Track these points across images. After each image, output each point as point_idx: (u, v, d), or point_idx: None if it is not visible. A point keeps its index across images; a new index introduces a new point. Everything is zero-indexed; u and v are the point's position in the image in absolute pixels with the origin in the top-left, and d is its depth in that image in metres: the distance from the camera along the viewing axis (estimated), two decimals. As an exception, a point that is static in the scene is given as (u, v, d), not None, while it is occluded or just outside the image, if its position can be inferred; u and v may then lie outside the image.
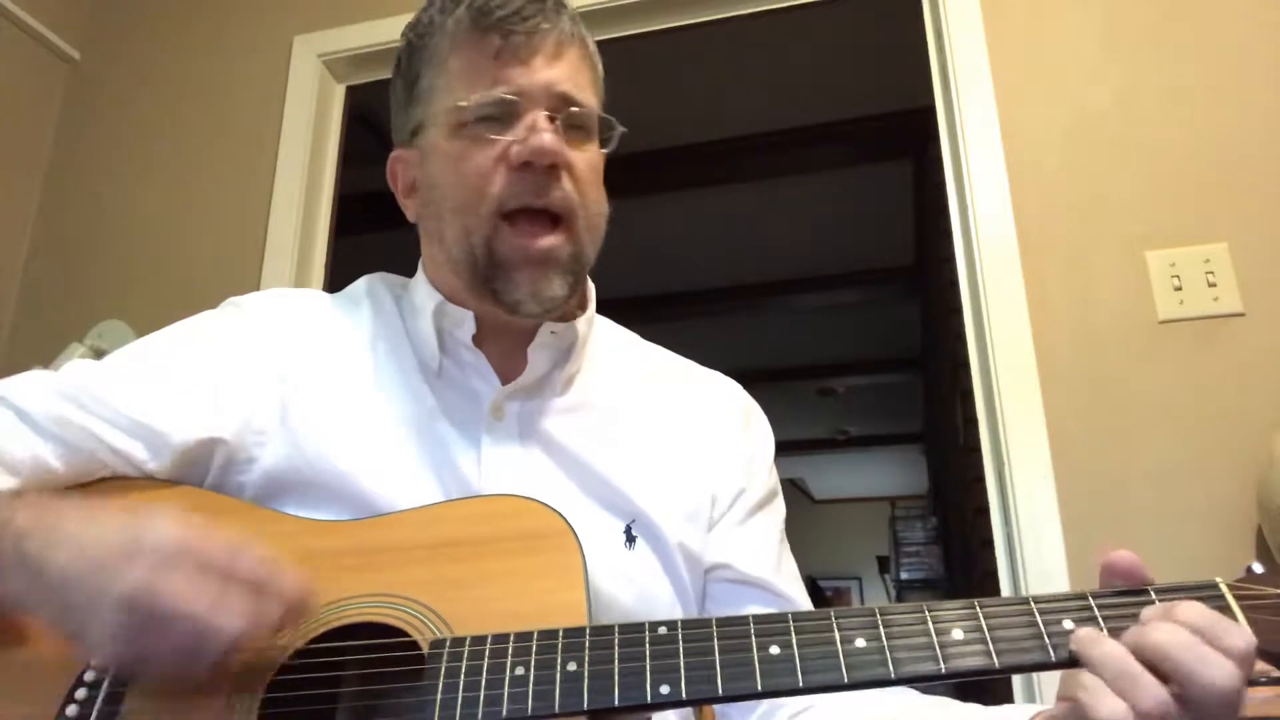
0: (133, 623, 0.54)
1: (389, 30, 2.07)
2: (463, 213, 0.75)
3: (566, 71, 0.76)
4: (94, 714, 0.59)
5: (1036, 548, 1.41)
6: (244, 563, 0.57)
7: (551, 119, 0.74)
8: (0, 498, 0.62)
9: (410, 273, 0.90)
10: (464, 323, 0.79)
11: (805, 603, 0.83)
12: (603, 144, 0.79)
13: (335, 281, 2.02)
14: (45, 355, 1.88)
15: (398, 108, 0.83)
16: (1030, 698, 1.39)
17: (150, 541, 0.56)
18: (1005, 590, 1.46)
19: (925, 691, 0.72)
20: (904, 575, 4.87)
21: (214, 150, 2.13)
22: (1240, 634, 0.50)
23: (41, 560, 0.57)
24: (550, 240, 0.74)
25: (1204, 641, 0.50)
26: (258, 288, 1.93)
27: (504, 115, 0.74)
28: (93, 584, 0.55)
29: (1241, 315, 1.44)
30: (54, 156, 2.23)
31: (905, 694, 0.72)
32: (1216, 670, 0.49)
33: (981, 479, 1.55)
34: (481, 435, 0.77)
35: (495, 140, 0.73)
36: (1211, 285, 1.47)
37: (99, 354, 1.88)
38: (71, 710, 0.59)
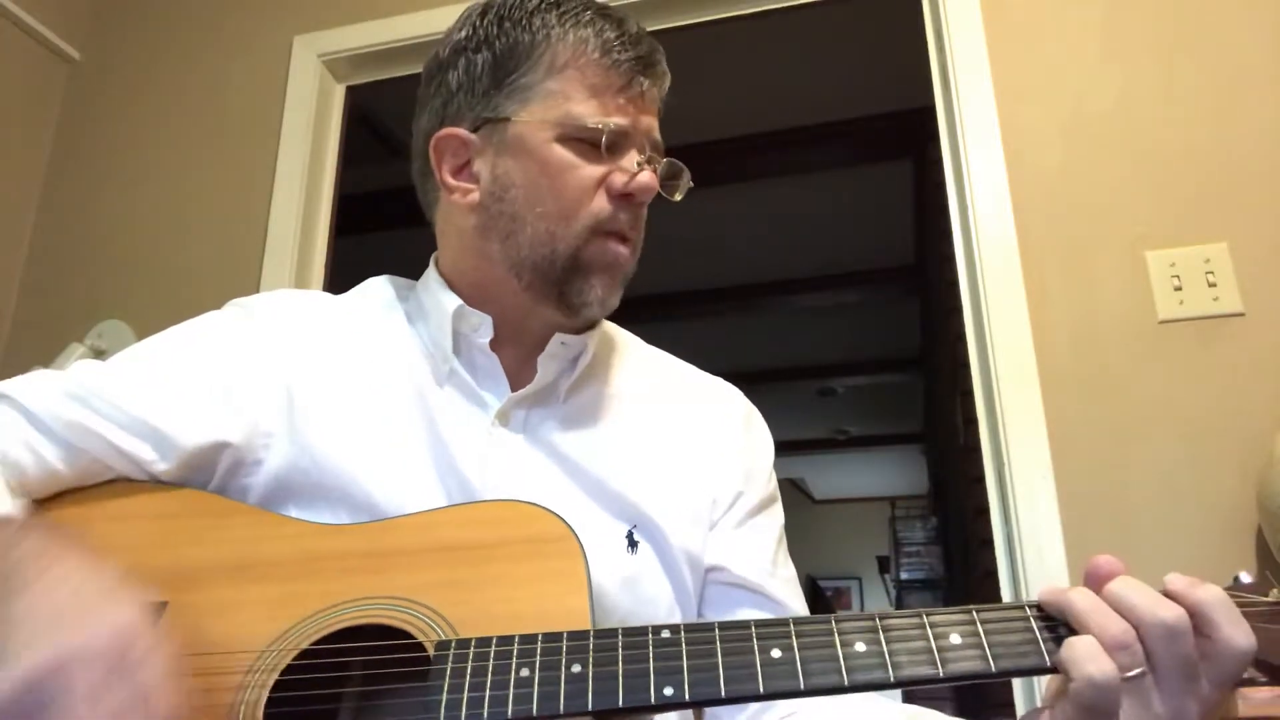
0: (20, 702, 0.51)
1: (389, 30, 2.08)
2: (553, 219, 0.76)
3: (656, 122, 0.82)
4: None
5: (1036, 547, 1.41)
6: (157, 697, 0.53)
7: (650, 161, 0.79)
8: (12, 523, 0.62)
9: (411, 273, 0.90)
10: (482, 326, 0.80)
11: (801, 609, 0.83)
12: (670, 189, 0.83)
13: (335, 281, 2.03)
14: (45, 355, 1.88)
15: (473, 91, 0.80)
16: (1030, 701, 1.39)
17: (90, 629, 0.53)
18: (1005, 590, 1.46)
19: (920, 701, 0.73)
20: (904, 575, 4.87)
21: (214, 150, 2.13)
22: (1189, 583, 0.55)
23: (6, 595, 0.55)
24: (626, 251, 0.79)
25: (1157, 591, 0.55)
26: (258, 288, 1.93)
27: (612, 145, 0.77)
28: (13, 643, 0.52)
29: (1241, 315, 1.45)
30: (54, 156, 2.24)
31: (895, 701, 0.72)
32: (1161, 604, 0.53)
33: (981, 479, 1.55)
34: (487, 440, 0.77)
35: (599, 161, 0.77)
36: (1211, 285, 1.47)
37: (99, 354, 1.88)
38: None
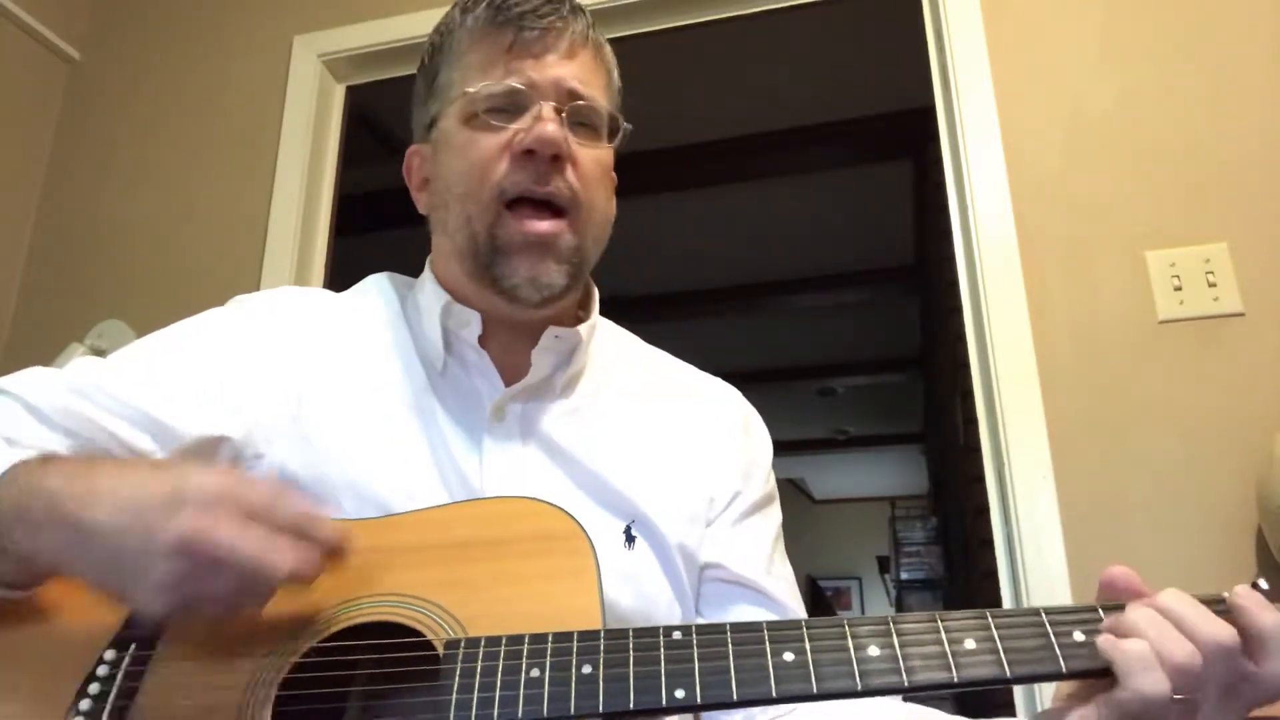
0: (186, 568, 0.54)
1: (389, 30, 2.08)
2: (466, 199, 0.76)
3: (576, 70, 0.78)
4: (108, 704, 0.59)
5: (1036, 548, 1.41)
6: (285, 508, 0.57)
7: (558, 111, 0.75)
8: (29, 462, 0.62)
9: (410, 273, 0.90)
10: (470, 323, 0.80)
11: (797, 609, 0.83)
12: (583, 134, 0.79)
13: (335, 281, 2.02)
14: (45, 355, 1.88)
15: (418, 104, 0.85)
16: (1030, 700, 1.39)
17: (193, 488, 0.56)
18: (1005, 590, 1.46)
19: (921, 700, 0.73)
20: (904, 575, 4.87)
21: (214, 150, 2.13)
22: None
23: (81, 516, 0.57)
24: (550, 226, 0.75)
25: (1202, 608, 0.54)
26: (258, 288, 1.93)
27: (512, 106, 0.76)
28: (139, 534, 0.55)
29: (1241, 315, 1.45)
30: (54, 156, 2.23)
31: (895, 701, 0.72)
32: (1217, 626, 0.52)
33: (981, 479, 1.55)
34: (483, 436, 0.77)
35: (501, 129, 0.75)
36: (1211, 285, 1.47)
37: (99, 354, 1.87)
38: (89, 694, 0.59)
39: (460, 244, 0.77)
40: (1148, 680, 0.51)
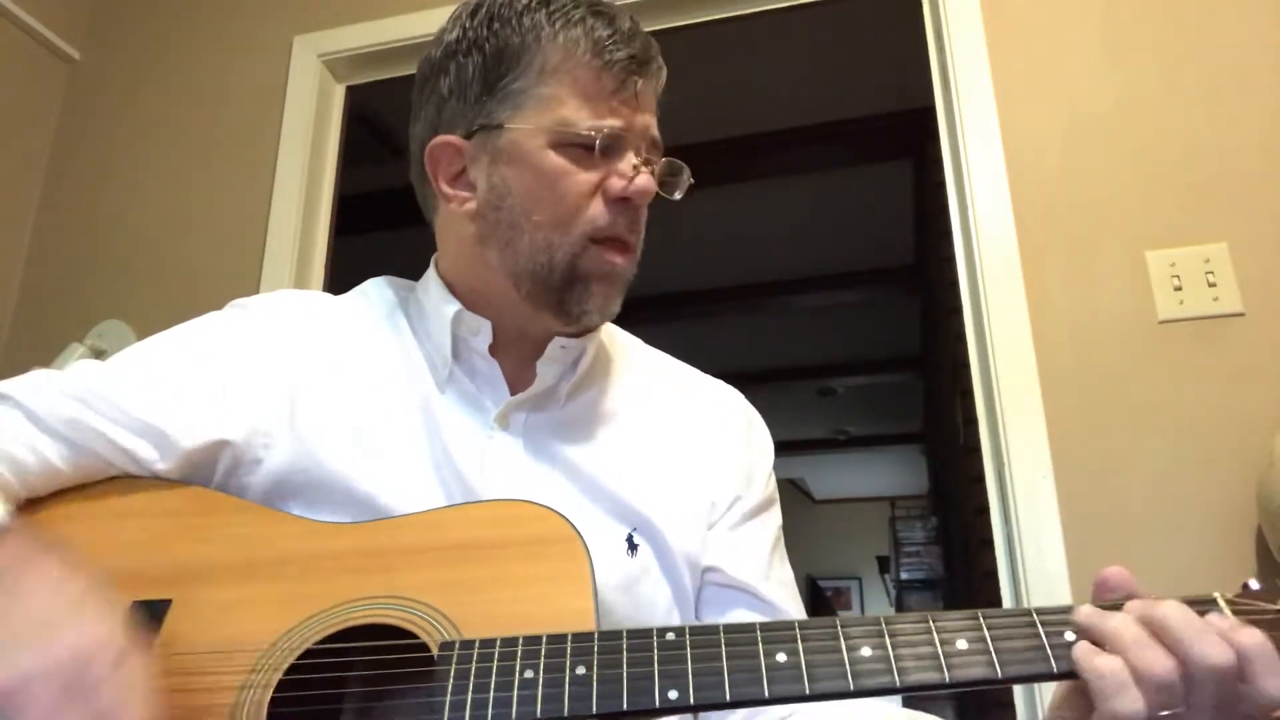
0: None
1: (389, 30, 2.08)
2: (551, 227, 0.75)
3: (655, 120, 0.81)
4: None
5: (1036, 548, 1.41)
6: (120, 715, 0.52)
7: (647, 162, 0.78)
8: None
9: (409, 273, 0.90)
10: (481, 331, 0.80)
11: (796, 612, 0.83)
12: (669, 187, 0.82)
13: (335, 281, 2.03)
14: (45, 355, 1.88)
15: (459, 95, 0.79)
16: (1031, 707, 1.39)
17: (49, 647, 0.52)
18: (1005, 590, 1.46)
19: (918, 704, 0.73)
20: (904, 575, 4.87)
21: (214, 150, 2.13)
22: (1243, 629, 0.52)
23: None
24: (624, 261, 0.78)
25: (1204, 622, 0.52)
26: (258, 288, 1.93)
27: (607, 148, 0.76)
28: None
29: (1241, 315, 1.45)
30: (54, 156, 2.23)
31: (894, 704, 0.72)
32: (1211, 645, 0.50)
33: (981, 479, 1.55)
34: (486, 443, 0.77)
35: (596, 166, 0.76)
36: (1211, 285, 1.47)
37: (99, 354, 1.87)
38: None
39: (527, 266, 0.76)
40: (1121, 702, 0.50)
